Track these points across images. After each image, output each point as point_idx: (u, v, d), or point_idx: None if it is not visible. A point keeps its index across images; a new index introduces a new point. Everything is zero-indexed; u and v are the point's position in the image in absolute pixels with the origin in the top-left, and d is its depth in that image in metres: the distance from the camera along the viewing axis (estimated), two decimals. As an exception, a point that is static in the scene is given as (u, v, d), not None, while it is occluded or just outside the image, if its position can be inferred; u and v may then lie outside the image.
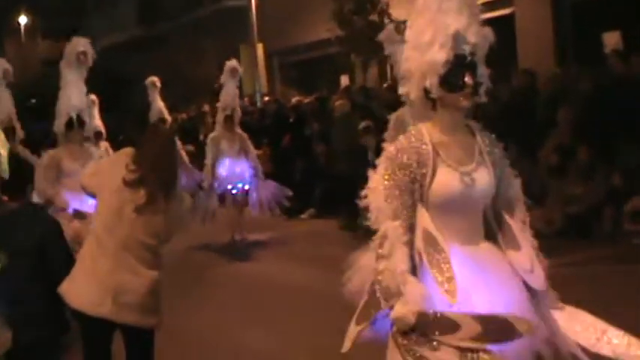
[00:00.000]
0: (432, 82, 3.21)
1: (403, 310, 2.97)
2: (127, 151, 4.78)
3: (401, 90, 3.46)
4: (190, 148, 15.24)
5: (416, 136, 3.30)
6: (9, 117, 9.62)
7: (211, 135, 11.99)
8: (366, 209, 3.30)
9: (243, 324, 7.68)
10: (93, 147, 9.34)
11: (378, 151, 12.13)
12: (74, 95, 7.90)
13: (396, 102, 12.88)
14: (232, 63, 12.14)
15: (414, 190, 3.22)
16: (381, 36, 9.02)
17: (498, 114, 8.11)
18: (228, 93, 11.90)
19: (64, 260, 4.61)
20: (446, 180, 3.22)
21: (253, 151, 11.95)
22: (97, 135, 13.36)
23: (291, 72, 23.99)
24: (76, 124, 7.78)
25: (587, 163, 9.66)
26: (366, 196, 3.32)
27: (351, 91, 14.81)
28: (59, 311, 4.55)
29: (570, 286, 7.19)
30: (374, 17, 17.68)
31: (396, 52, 8.80)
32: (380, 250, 3.16)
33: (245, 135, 11.90)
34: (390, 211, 3.20)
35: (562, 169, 9.99)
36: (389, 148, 3.34)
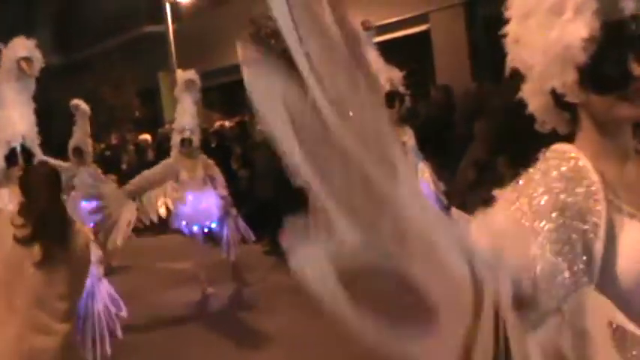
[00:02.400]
0: (566, 78, 1.75)
1: None
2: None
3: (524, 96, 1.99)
4: (113, 177, 14.92)
5: (574, 173, 1.78)
6: None
7: (165, 162, 9.70)
8: None
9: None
10: None
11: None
12: (17, 118, 5.84)
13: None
14: (188, 74, 9.97)
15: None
16: None
17: (418, 130, 8.17)
18: (185, 110, 9.70)
19: None
20: (636, 243, 1.73)
21: (221, 179, 9.78)
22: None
23: (212, 96, 23.95)
24: (21, 157, 5.76)
25: (506, 174, 9.79)
26: None
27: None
28: None
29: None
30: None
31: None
32: None
33: (209, 160, 9.87)
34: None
35: (480, 182, 10.10)
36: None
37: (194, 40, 21.56)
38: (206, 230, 9.79)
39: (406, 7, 16.04)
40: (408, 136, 7.71)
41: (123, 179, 15.53)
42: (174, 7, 22.00)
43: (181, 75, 10.08)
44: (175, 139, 9.69)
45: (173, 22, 21.22)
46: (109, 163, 16.60)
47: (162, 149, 13.84)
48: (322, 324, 7.07)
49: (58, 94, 13.64)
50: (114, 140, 20.57)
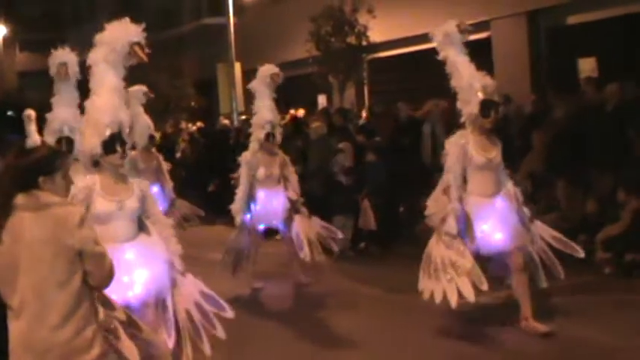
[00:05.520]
0: None
1: None
2: None
3: None
4: (168, 165, 14.96)
5: None
6: None
7: (244, 157, 9.46)
8: None
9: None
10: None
11: (350, 173, 11.25)
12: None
13: (374, 126, 12.94)
14: (270, 68, 9.70)
15: None
16: (437, 37, 7.35)
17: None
18: (265, 105, 9.44)
19: None
20: None
21: (295, 181, 9.57)
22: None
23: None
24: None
25: (561, 190, 9.62)
26: None
27: (329, 113, 14.77)
28: None
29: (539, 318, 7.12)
30: (351, 39, 17.77)
31: (454, 58, 7.29)
32: None
33: (286, 158, 9.60)
34: None
35: (535, 196, 9.92)
36: None
37: (253, 35, 21.62)
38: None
39: (467, 13, 15.88)
40: (496, 152, 7.19)
41: (176, 168, 15.70)
42: (236, 1, 22.05)
43: (266, 68, 9.70)
44: (257, 134, 9.36)
45: (234, 15, 21.27)
46: (164, 151, 16.71)
47: (216, 142, 13.85)
48: (387, 324, 6.79)
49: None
50: (169, 129, 20.68)
